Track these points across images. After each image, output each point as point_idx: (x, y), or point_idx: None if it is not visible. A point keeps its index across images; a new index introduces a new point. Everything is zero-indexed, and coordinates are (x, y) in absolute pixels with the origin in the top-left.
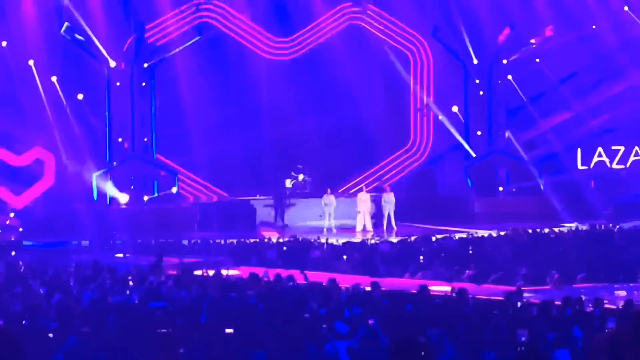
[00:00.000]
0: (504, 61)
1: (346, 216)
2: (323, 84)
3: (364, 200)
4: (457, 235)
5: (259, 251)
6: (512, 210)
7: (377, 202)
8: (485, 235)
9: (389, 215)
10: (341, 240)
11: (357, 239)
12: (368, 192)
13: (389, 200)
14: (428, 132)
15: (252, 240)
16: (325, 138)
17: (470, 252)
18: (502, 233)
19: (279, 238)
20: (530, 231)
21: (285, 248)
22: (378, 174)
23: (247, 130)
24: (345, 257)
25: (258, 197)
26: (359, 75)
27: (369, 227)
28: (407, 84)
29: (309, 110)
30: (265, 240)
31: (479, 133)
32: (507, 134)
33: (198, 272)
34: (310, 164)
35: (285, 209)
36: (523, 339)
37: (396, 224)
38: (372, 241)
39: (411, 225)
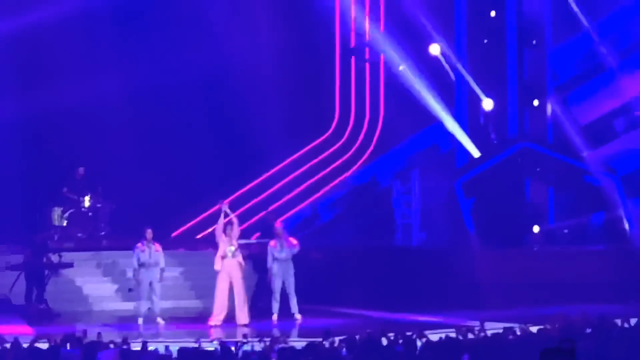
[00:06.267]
0: None
1: (189, 291)
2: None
3: (229, 257)
4: (438, 335)
5: None
6: (560, 277)
7: (258, 259)
8: (502, 330)
9: (283, 288)
10: (175, 346)
11: (212, 341)
12: (239, 237)
13: (284, 257)
14: (373, 103)
15: None
16: (148, 117)
17: None
18: (540, 328)
19: (36, 341)
20: (598, 323)
21: None
22: (262, 197)
23: None
24: None
25: None
26: None
27: (241, 314)
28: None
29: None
30: (5, 346)
31: (486, 106)
32: (549, 109)
33: None
34: (110, 170)
35: (48, 275)
36: None
37: (299, 309)
38: (246, 347)
39: (335, 310)
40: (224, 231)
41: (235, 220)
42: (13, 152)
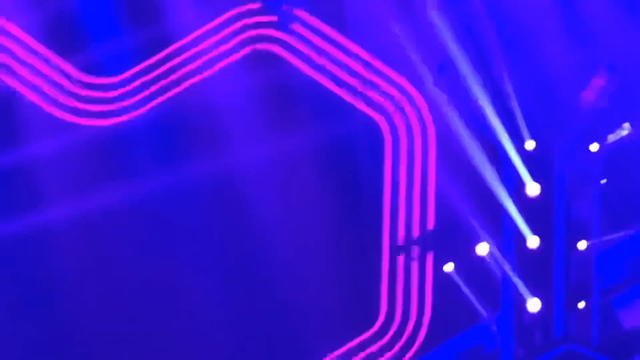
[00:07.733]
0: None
1: None
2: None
3: None
4: None
5: None
6: None
7: None
8: None
9: None
10: None
11: None
12: None
13: None
14: (420, 302)
15: None
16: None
17: None
18: None
19: None
20: None
21: None
22: None
23: None
24: None
25: None
26: (265, 172)
27: None
28: (376, 180)
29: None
30: None
31: (532, 307)
32: (594, 312)
33: None
34: None
35: None
36: None
37: None
38: None
39: None
40: None
41: None
42: None
